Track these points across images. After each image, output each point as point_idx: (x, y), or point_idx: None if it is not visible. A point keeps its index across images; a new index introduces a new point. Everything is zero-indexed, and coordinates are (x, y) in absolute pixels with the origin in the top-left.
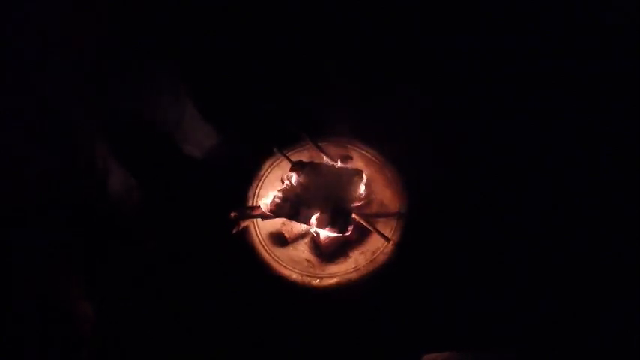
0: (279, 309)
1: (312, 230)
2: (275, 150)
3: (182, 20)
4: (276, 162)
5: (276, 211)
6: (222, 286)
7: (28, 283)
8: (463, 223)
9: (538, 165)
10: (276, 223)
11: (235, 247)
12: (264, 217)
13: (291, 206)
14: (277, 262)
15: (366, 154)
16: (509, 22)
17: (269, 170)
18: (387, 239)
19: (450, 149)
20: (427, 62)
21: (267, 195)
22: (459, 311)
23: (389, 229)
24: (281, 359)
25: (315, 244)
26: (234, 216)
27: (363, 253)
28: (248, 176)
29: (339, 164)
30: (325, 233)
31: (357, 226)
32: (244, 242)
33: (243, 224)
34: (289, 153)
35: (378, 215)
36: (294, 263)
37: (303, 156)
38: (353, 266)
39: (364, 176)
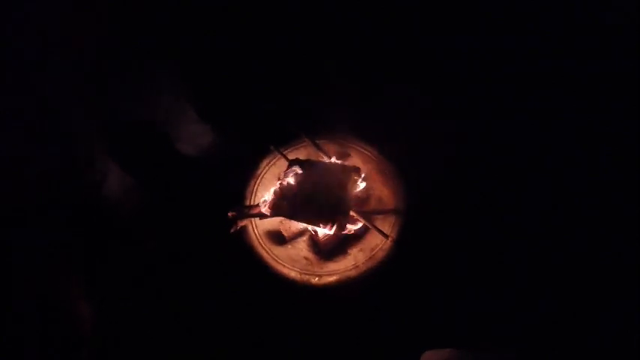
0: (278, 308)
1: (310, 228)
2: (272, 148)
3: (182, 20)
4: (274, 160)
5: (274, 209)
6: (221, 286)
7: (28, 283)
8: (463, 223)
9: (538, 165)
10: (274, 222)
11: (234, 246)
12: (261, 216)
13: (289, 205)
14: (276, 260)
15: (364, 151)
16: (509, 22)
17: (266, 169)
18: (386, 236)
19: (450, 149)
20: (427, 62)
21: (264, 194)
22: (459, 311)
23: (387, 226)
24: (281, 358)
25: (314, 242)
26: (232, 215)
27: (361, 250)
28: (245, 175)
29: (336, 161)
30: (323, 231)
31: (356, 223)
32: (242, 241)
33: (241, 223)
34: (286, 151)
35: (376, 212)
36: (292, 262)
37: (301, 154)
38: (352, 264)
39: (362, 173)
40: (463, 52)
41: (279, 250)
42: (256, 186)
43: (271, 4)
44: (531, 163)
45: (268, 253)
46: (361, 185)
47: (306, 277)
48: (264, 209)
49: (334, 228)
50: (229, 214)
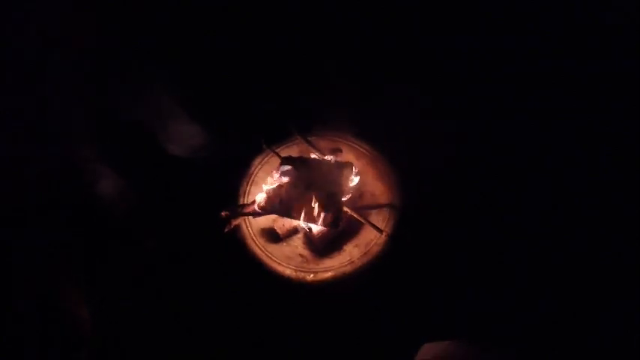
0: (275, 306)
1: (304, 225)
2: (264, 146)
3: (182, 20)
4: (266, 158)
5: (267, 207)
6: (221, 286)
7: (28, 283)
8: (463, 223)
9: (538, 165)
10: (268, 220)
11: (228, 245)
12: (255, 214)
13: (282, 202)
14: (270, 258)
15: (356, 146)
16: (509, 22)
17: (259, 167)
18: (380, 231)
19: (450, 149)
20: (427, 62)
21: (257, 192)
22: (458, 311)
23: (381, 221)
24: (280, 356)
25: (309, 239)
26: (226, 215)
27: (356, 245)
28: (238, 174)
29: (328, 158)
30: (317, 228)
31: (350, 218)
32: (236, 240)
33: (235, 222)
34: (278, 149)
35: (370, 207)
36: (287, 259)
37: (293, 151)
38: (347, 259)
39: (354, 168)
40: (463, 52)
41: (273, 248)
42: (249, 185)
43: (271, 4)
44: (531, 163)
45: (262, 251)
46: (355, 180)
47: (301, 275)
48: (258, 207)
49: (328, 224)
50: (222, 213)
